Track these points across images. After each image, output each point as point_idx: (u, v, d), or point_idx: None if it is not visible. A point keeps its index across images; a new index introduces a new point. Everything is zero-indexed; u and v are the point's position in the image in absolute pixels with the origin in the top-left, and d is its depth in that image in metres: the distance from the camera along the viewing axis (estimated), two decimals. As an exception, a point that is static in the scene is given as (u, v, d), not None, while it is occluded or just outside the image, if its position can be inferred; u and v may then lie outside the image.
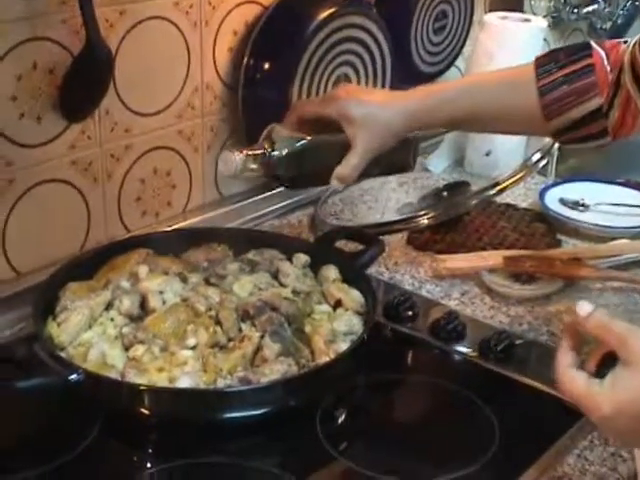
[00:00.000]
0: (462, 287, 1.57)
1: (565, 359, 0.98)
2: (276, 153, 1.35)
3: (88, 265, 1.45)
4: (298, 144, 1.36)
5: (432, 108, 1.37)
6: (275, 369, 1.22)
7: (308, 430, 1.21)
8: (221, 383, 1.21)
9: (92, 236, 1.54)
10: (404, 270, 1.62)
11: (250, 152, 1.35)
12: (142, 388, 1.18)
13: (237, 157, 1.33)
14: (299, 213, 1.82)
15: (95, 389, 1.19)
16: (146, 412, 1.19)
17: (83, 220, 1.53)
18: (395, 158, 1.45)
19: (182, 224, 1.66)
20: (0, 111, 1.35)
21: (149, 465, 1.21)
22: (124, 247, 1.48)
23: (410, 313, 1.47)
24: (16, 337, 1.38)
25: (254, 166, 1.35)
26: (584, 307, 0.97)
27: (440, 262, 1.61)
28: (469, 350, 1.39)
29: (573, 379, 0.96)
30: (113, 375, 1.22)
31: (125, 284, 1.41)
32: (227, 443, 1.19)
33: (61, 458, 1.14)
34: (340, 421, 1.27)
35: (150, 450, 1.23)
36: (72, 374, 1.18)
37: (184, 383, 1.19)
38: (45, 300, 1.35)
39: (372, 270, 1.57)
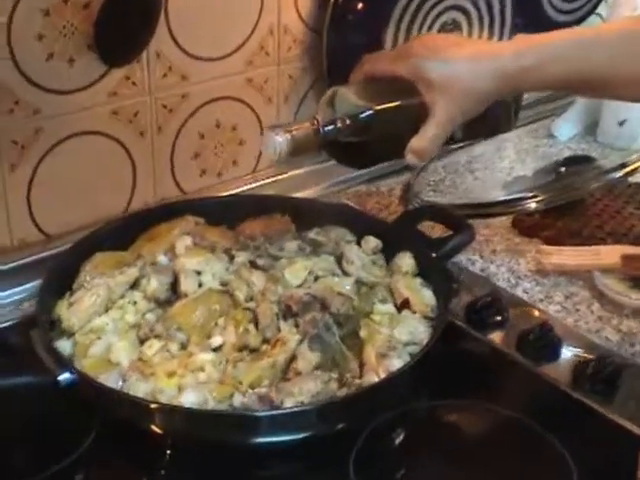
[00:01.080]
0: (567, 288, 1.30)
1: None
2: (332, 127, 1.11)
3: (124, 232, 1.27)
4: (363, 115, 1.11)
5: (533, 67, 1.08)
6: (305, 389, 1.00)
7: (338, 470, 0.97)
8: (237, 400, 1.00)
9: (138, 197, 1.36)
10: (501, 261, 1.37)
11: (298, 131, 1.10)
12: (134, 400, 0.98)
13: (280, 139, 1.08)
14: (392, 180, 1.58)
15: (87, 394, 1.01)
16: (141, 427, 1.00)
17: (127, 178, 1.35)
18: (487, 120, 1.17)
19: (250, 186, 1.46)
20: (24, 51, 1.17)
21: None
22: (170, 212, 1.29)
23: (497, 319, 1.23)
24: (27, 315, 1.19)
25: (305, 146, 1.10)
26: None
27: (545, 255, 1.34)
28: (561, 375, 1.13)
29: None
30: (114, 376, 1.03)
31: (162, 259, 1.23)
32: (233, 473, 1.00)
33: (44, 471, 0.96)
34: (380, 466, 1.01)
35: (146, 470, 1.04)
36: (63, 373, 1.00)
37: (187, 398, 0.99)
38: (60, 273, 1.18)
39: (462, 258, 1.35)
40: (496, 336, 1.21)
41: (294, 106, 1.49)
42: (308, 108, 1.50)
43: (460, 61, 1.09)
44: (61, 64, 1.20)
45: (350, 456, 0.97)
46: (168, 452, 1.03)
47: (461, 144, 1.66)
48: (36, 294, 1.13)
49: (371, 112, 1.10)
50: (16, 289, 1.24)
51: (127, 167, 1.33)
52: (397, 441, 1.06)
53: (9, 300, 1.23)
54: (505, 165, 1.64)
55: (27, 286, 1.24)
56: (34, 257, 1.26)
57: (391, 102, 1.12)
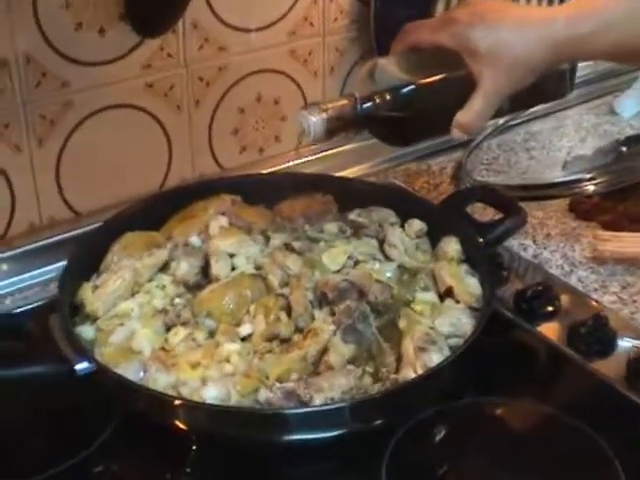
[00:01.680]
0: (625, 278, 1.22)
1: None
2: (370, 104, 1.03)
3: (155, 211, 1.20)
4: (405, 89, 1.03)
5: (587, 35, 0.99)
6: (336, 384, 0.94)
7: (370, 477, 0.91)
8: (262, 395, 0.93)
9: (175, 174, 1.32)
10: (555, 246, 1.28)
11: (334, 109, 1.02)
12: (151, 394, 0.93)
13: (314, 119, 1.01)
14: (443, 158, 1.50)
15: (106, 385, 0.95)
16: (160, 420, 0.95)
17: (162, 154, 1.30)
18: (537, 89, 1.08)
19: (293, 163, 1.39)
20: (51, 20, 1.12)
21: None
22: (206, 190, 1.23)
23: (548, 309, 1.15)
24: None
25: (343, 124, 1.03)
26: None
27: (602, 241, 1.26)
28: (614, 372, 1.05)
29: None
30: (135, 366, 0.98)
31: (195, 240, 1.17)
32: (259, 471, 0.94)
33: (57, 465, 0.91)
34: (414, 469, 0.94)
35: (169, 466, 0.97)
36: (80, 362, 0.94)
37: (209, 393, 0.93)
38: (87, 254, 1.12)
39: (514, 242, 1.27)
40: (546, 328, 1.13)
41: (340, 80, 1.43)
42: (355, 81, 1.42)
43: (508, 28, 1.00)
44: (91, 34, 1.16)
45: (383, 459, 0.91)
46: (193, 448, 0.97)
47: (517, 120, 1.58)
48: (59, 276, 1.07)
49: (413, 86, 1.03)
50: (44, 268, 1.20)
51: (162, 142, 1.29)
52: (434, 441, 0.99)
53: (37, 280, 1.20)
54: (564, 144, 1.55)
55: (56, 265, 1.18)
56: (63, 236, 1.23)
57: (435, 74, 1.04)
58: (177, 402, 0.92)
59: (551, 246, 1.29)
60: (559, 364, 1.09)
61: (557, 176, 1.40)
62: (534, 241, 1.29)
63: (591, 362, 1.07)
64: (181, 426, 0.94)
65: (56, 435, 0.98)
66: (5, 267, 1.19)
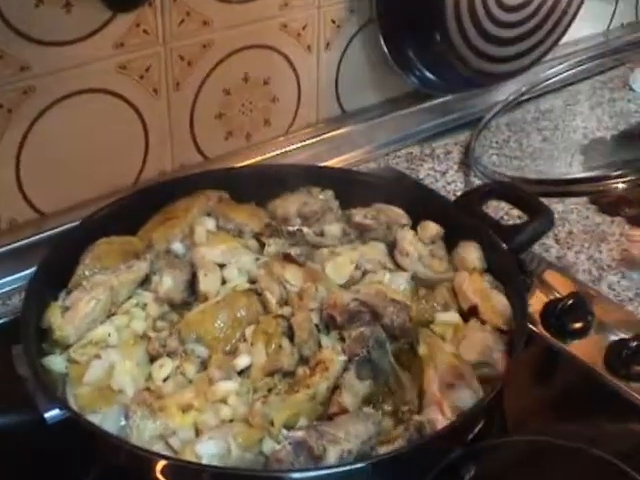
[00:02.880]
0: (662, 285, 1.09)
1: None
2: None
3: (132, 212, 1.07)
4: None
5: None
6: (353, 433, 0.81)
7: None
8: (268, 446, 0.80)
9: (152, 165, 1.19)
10: (580, 246, 1.16)
11: None
12: (135, 453, 0.78)
13: None
14: (449, 140, 1.39)
15: (81, 436, 0.81)
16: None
17: (138, 144, 1.18)
18: None
19: (283, 150, 1.27)
20: (9, -6, 0.97)
21: None
22: (188, 185, 1.09)
23: (579, 325, 1.02)
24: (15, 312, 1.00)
25: None
26: None
27: (632, 240, 1.14)
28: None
29: None
30: (115, 411, 0.85)
31: (178, 247, 1.05)
32: None
33: None
34: None
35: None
36: (51, 409, 0.80)
37: (206, 448, 0.79)
38: (54, 267, 0.97)
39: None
40: (579, 346, 1.01)
41: (337, 55, 1.29)
42: (354, 57, 1.28)
43: None
44: (54, 10, 1.03)
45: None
46: None
47: (526, 96, 1.44)
48: (23, 294, 0.93)
49: None
50: (5, 279, 1.07)
51: (138, 131, 1.16)
52: None
53: (-5, 293, 1.05)
54: (578, 124, 1.43)
55: (17, 276, 1.07)
56: (26, 241, 1.09)
57: None
58: (166, 462, 0.78)
59: (575, 246, 1.16)
60: (595, 389, 0.97)
61: (576, 165, 1.27)
62: (556, 240, 1.17)
63: (632, 387, 0.95)
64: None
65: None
66: None
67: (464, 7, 1.24)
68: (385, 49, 1.28)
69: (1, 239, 1.09)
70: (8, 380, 0.84)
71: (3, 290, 1.06)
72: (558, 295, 1.06)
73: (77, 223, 1.03)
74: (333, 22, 1.26)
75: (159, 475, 0.79)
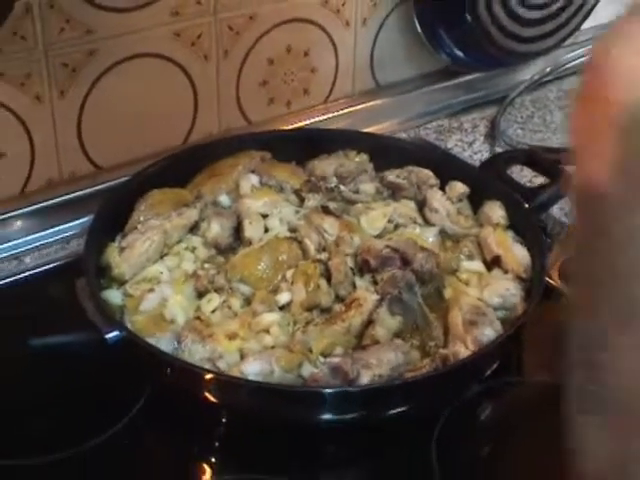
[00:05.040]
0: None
1: None
2: None
3: (183, 167, 1.15)
4: None
5: None
6: (384, 360, 0.89)
7: (418, 452, 0.87)
8: (306, 369, 0.88)
9: (199, 127, 1.25)
10: (597, 210, 1.22)
11: None
12: (187, 368, 0.87)
13: None
14: (476, 115, 1.45)
15: (137, 356, 0.90)
16: (194, 396, 0.89)
17: (188, 106, 1.24)
18: None
19: (322, 118, 1.34)
20: (75, -37, 1.04)
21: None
22: (234, 145, 1.17)
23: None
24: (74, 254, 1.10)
25: None
26: None
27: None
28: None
29: None
30: (168, 336, 0.92)
31: (224, 199, 1.12)
32: (302, 453, 0.89)
33: (90, 439, 0.87)
34: (464, 446, 0.92)
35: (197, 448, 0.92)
36: (110, 331, 0.89)
37: (251, 368, 0.87)
38: (112, 212, 1.06)
39: (553, 208, 1.19)
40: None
41: (373, 32, 1.36)
42: (388, 33, 1.36)
43: None
44: None
45: (432, 435, 0.87)
46: (224, 421, 0.92)
47: (549, 77, 1.52)
48: (84, 233, 1.01)
49: None
50: (63, 226, 1.15)
51: (188, 94, 1.22)
52: (482, 418, 0.96)
53: (55, 238, 1.15)
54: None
55: (75, 223, 1.15)
56: (84, 191, 1.17)
57: None
58: (211, 376, 0.87)
59: (592, 211, 1.23)
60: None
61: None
62: (575, 205, 1.24)
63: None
64: (214, 400, 0.89)
65: (87, 406, 0.92)
66: (23, 224, 1.13)
67: (493, -12, 1.33)
68: (418, 27, 1.34)
69: (61, 189, 1.15)
70: (73, 310, 0.92)
71: (63, 235, 1.14)
72: (575, 254, 1.14)
73: (131, 176, 1.10)
74: (370, 0, 1.34)
75: (207, 392, 0.89)
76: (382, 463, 0.88)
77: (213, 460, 0.92)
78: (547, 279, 1.07)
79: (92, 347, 0.89)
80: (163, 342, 0.91)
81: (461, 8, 1.32)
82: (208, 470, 0.91)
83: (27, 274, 1.08)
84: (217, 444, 0.93)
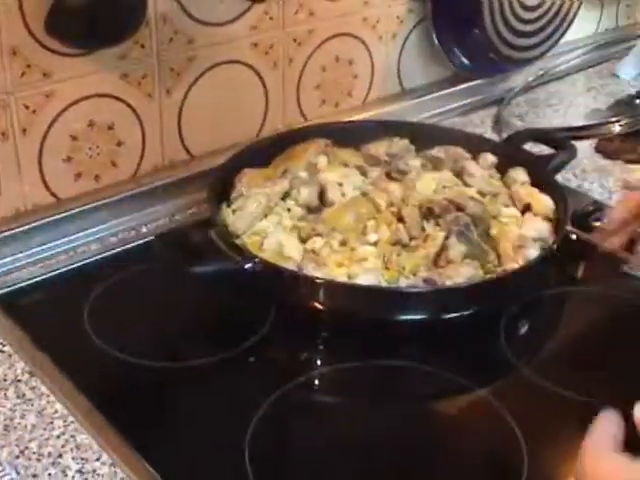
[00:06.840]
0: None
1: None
2: None
3: (266, 152, 1.38)
4: None
5: None
6: (461, 272, 1.14)
7: (490, 339, 1.13)
8: (403, 283, 1.14)
9: (269, 122, 1.49)
10: (592, 178, 1.51)
11: None
12: (321, 282, 1.11)
13: None
14: (482, 112, 1.73)
15: (271, 280, 1.13)
16: (322, 307, 1.11)
17: (261, 105, 1.47)
18: None
19: (361, 116, 1.59)
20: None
21: (319, 363, 1.14)
22: (303, 136, 1.41)
23: (599, 223, 1.36)
24: (188, 222, 1.34)
25: None
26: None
27: (631, 172, 1.49)
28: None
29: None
30: (291, 266, 1.15)
31: (303, 174, 1.34)
32: (404, 346, 1.11)
33: (228, 351, 1.09)
34: (524, 332, 1.19)
35: (322, 349, 1.15)
36: (248, 263, 1.11)
37: (365, 280, 1.12)
38: (221, 185, 1.29)
39: (558, 176, 1.47)
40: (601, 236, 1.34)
41: (399, 44, 1.63)
42: (412, 46, 1.65)
43: None
44: (213, 1, 1.33)
45: (500, 322, 1.13)
46: (330, 328, 1.13)
47: (537, 82, 1.82)
48: (202, 201, 1.27)
49: None
50: (162, 206, 1.38)
51: (260, 95, 1.45)
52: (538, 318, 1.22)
53: (164, 213, 1.37)
54: (580, 101, 1.79)
55: (175, 202, 1.38)
56: (179, 176, 1.39)
57: None
58: (326, 282, 1.10)
59: (589, 178, 1.51)
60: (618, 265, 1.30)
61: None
62: (575, 175, 1.52)
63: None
64: (330, 307, 1.10)
65: (221, 326, 1.16)
66: (135, 202, 1.35)
67: (497, 8, 1.63)
68: (435, 41, 1.62)
69: (163, 174, 1.36)
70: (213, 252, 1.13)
71: (170, 210, 1.36)
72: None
73: (231, 156, 1.32)
74: (398, 18, 1.59)
75: (327, 300, 1.10)
76: (461, 347, 1.12)
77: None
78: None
79: (229, 277, 1.12)
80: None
81: (471, 25, 1.62)
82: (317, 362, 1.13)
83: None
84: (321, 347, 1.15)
